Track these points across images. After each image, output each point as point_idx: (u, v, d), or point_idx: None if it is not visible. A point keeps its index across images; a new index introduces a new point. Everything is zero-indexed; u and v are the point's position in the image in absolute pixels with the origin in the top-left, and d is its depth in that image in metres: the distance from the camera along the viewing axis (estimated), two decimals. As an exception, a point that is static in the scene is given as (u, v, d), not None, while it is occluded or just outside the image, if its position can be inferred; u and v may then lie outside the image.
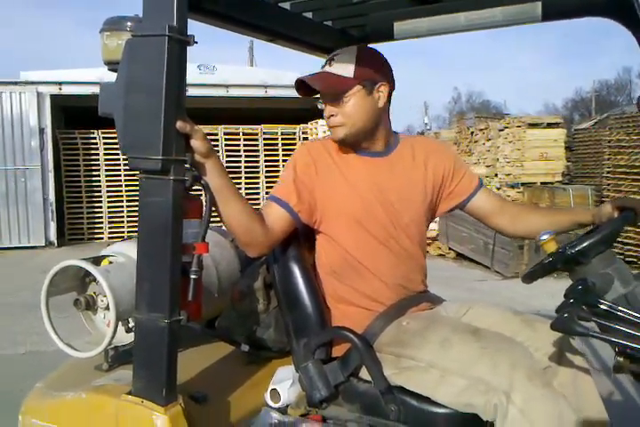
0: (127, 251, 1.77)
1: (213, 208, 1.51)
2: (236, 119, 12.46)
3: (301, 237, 1.75)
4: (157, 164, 1.36)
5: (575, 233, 1.92)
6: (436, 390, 1.48)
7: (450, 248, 9.65)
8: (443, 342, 1.52)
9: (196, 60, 11.44)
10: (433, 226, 9.45)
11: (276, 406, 1.67)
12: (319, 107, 1.75)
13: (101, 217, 11.74)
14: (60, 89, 10.89)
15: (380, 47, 1.87)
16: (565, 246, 1.45)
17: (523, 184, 10.04)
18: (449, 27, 2.00)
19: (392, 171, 1.75)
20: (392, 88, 1.74)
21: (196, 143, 1.45)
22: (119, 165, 11.29)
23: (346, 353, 1.63)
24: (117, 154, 10.75)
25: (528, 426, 1.36)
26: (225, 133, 11.83)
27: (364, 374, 1.60)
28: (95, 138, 11.50)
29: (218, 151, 11.40)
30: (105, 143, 11.47)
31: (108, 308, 1.68)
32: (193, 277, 1.46)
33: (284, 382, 1.70)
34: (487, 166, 10.96)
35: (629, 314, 1.28)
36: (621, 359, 1.34)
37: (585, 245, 1.42)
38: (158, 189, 1.40)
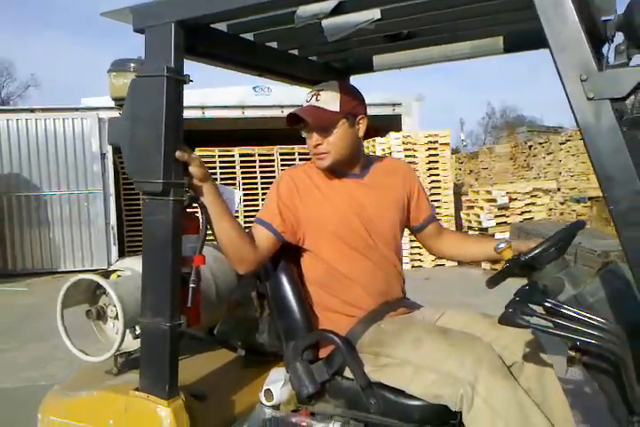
0: (134, 265, 1.96)
1: (208, 226, 1.71)
2: (291, 139, 12.69)
3: (289, 252, 1.94)
4: (158, 186, 1.57)
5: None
6: (410, 384, 1.66)
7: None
8: (415, 342, 1.70)
9: (250, 82, 11.69)
10: (504, 243, 9.11)
11: (270, 404, 1.84)
12: (303, 135, 1.94)
13: (159, 241, 11.89)
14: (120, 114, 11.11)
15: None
16: (520, 254, 1.64)
17: (590, 198, 9.90)
18: (423, 59, 2.22)
19: (368, 188, 1.96)
20: (368, 120, 1.95)
21: (193, 169, 1.65)
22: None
23: (330, 354, 1.81)
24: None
25: (490, 413, 1.53)
26: (280, 154, 11.95)
27: (348, 372, 1.77)
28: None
29: (273, 171, 11.67)
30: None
31: (116, 317, 1.86)
32: (192, 286, 1.65)
33: (277, 383, 1.86)
34: (548, 180, 10.86)
35: (571, 311, 1.45)
36: (573, 353, 1.52)
37: (536, 252, 1.60)
38: (160, 209, 1.60)
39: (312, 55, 2.25)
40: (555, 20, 1.18)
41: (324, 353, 1.84)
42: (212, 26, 1.75)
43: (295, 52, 2.18)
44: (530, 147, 12.10)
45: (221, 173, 11.36)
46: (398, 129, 11.28)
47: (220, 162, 11.47)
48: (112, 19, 1.70)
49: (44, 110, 11.20)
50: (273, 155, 11.85)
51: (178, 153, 1.60)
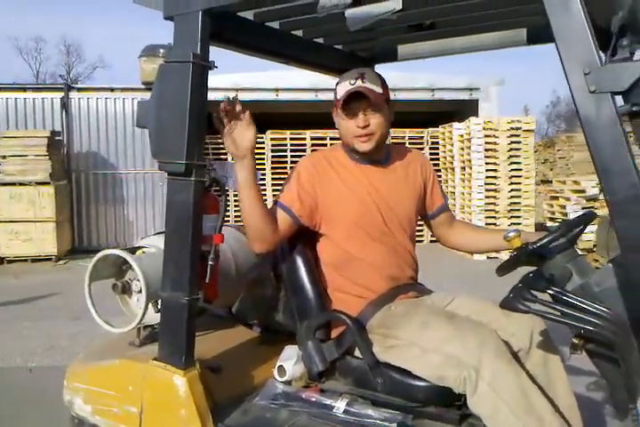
0: (158, 243, 2.05)
1: (236, 202, 1.79)
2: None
3: (305, 234, 2.00)
4: (181, 167, 1.65)
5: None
6: (416, 364, 1.71)
7: (611, 261, 8.81)
8: (422, 324, 1.76)
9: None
10: (590, 237, 8.39)
11: (282, 380, 1.92)
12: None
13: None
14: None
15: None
16: (528, 243, 1.67)
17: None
18: (446, 50, 2.25)
19: (388, 175, 2.01)
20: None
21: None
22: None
23: (341, 334, 1.87)
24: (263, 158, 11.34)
25: (494, 397, 1.57)
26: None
27: (357, 352, 1.84)
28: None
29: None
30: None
31: (140, 291, 1.95)
32: (210, 263, 1.75)
33: (290, 360, 1.94)
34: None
35: (573, 298, 1.49)
36: (576, 340, 1.55)
37: (544, 241, 1.63)
38: (182, 189, 1.69)
39: (337, 44, 2.30)
40: (561, 13, 1.21)
41: (335, 333, 1.91)
42: (238, 14, 1.81)
43: (321, 40, 2.23)
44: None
45: (292, 157, 11.32)
46: (474, 115, 10.99)
47: (291, 145, 11.49)
48: (144, 6, 1.78)
49: (123, 90, 11.30)
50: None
51: None
